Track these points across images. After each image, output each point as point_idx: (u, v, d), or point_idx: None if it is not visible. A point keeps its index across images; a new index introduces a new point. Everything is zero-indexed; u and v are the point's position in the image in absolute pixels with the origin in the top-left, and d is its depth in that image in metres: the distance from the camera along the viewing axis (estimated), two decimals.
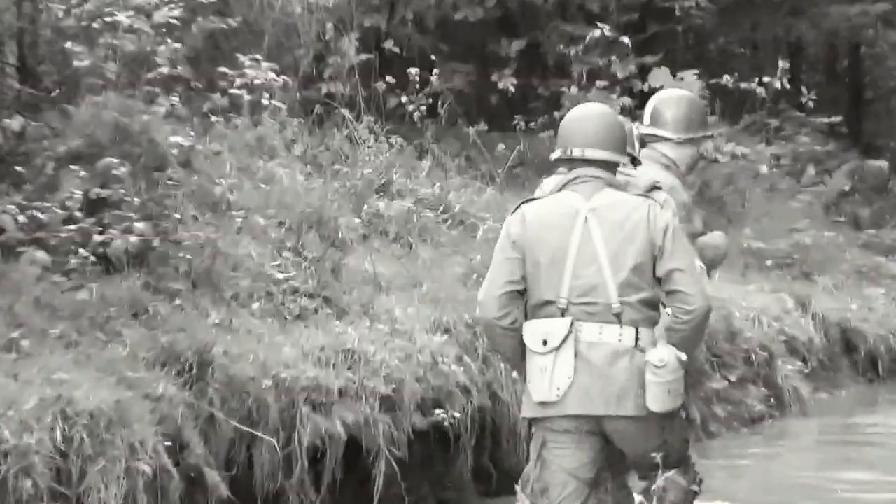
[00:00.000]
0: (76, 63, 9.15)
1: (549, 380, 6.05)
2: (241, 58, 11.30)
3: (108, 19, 9.59)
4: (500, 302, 6.08)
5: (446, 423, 8.73)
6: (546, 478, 6.20)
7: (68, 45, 9.27)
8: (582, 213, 6.05)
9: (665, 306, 6.31)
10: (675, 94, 7.88)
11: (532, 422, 6.33)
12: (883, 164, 16.90)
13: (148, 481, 7.03)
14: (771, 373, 12.07)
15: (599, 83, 14.13)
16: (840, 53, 19.84)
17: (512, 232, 6.17)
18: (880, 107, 19.77)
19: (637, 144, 7.30)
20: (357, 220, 10.54)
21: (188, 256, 8.50)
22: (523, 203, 6.35)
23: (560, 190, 6.21)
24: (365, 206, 10.81)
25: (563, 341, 6.00)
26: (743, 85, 15.38)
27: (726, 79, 15.08)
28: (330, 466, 8.18)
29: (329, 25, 13.12)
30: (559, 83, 14.68)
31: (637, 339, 6.00)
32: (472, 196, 11.98)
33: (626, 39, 14.40)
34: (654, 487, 6.34)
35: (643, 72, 14.57)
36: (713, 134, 9.21)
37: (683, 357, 5.98)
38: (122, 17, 9.54)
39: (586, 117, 6.33)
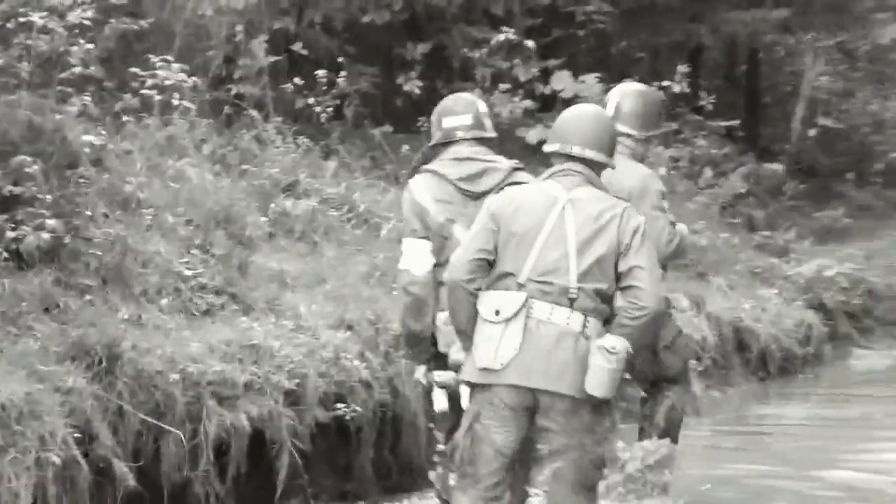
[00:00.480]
0: None
1: (495, 349, 6.19)
2: (153, 59, 11.19)
3: (22, 20, 9.50)
4: (469, 266, 6.23)
5: (348, 417, 8.71)
6: (475, 450, 6.34)
7: None
8: (561, 201, 6.22)
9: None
10: (636, 89, 8.07)
11: (471, 391, 6.41)
12: (778, 167, 17.03)
13: (57, 472, 7.05)
14: None
15: (502, 86, 14.24)
16: (738, 59, 19.84)
17: (493, 206, 6.32)
18: (777, 111, 19.65)
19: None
20: (263, 219, 10.54)
21: (99, 253, 8.46)
22: (507, 185, 6.62)
23: (545, 179, 6.39)
24: (272, 206, 10.83)
25: (515, 314, 6.16)
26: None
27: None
28: (235, 458, 8.18)
29: (239, 27, 12.97)
30: (463, 86, 14.40)
31: (584, 326, 6.12)
32: (377, 196, 11.98)
33: (529, 43, 14.46)
34: (540, 477, 6.32)
35: (546, 75, 14.66)
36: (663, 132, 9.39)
37: (631, 351, 6.16)
38: (36, 18, 9.45)
39: (584, 118, 6.53)
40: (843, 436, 10.86)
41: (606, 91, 13.78)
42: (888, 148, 20.12)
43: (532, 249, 6.21)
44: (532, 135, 14.22)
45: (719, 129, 16.81)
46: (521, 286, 6.16)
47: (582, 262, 6.15)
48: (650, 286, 6.15)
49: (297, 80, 12.86)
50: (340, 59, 13.68)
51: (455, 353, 6.68)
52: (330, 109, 12.88)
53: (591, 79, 14.59)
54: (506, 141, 12.17)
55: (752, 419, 12.11)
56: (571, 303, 6.14)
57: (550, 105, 14.45)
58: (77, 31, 9.81)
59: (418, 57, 14.81)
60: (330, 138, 12.90)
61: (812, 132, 18.65)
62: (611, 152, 6.43)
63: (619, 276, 6.17)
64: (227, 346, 8.44)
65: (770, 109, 19.58)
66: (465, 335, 6.30)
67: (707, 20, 17.27)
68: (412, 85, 14.40)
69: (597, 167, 6.34)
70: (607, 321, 6.29)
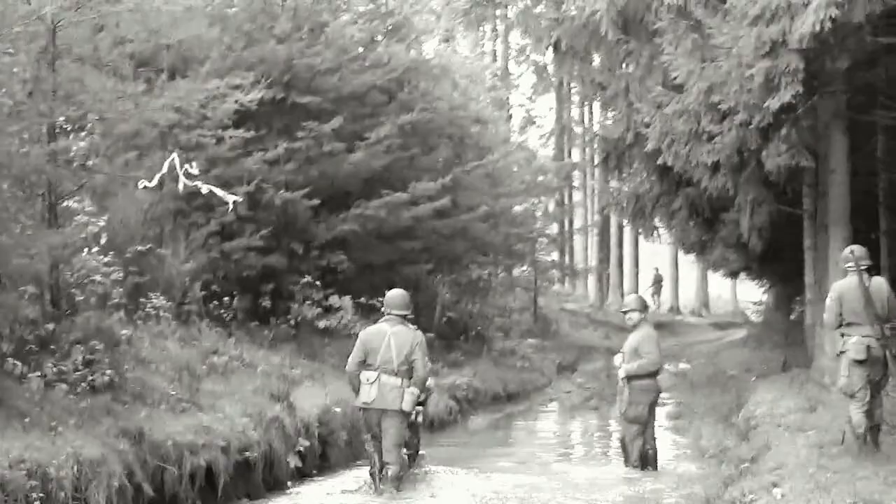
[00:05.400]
0: None
1: (367, 393, 10.83)
2: (151, 294, 14.27)
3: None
4: (355, 366, 10.80)
5: (250, 456, 11.61)
6: (371, 433, 11.00)
7: None
8: (388, 333, 10.84)
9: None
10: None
11: (362, 409, 10.89)
12: (431, 335, 19.64)
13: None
14: None
15: (307, 302, 18.69)
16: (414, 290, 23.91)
17: (361, 336, 10.79)
18: (427, 310, 24.32)
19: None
20: (204, 367, 13.30)
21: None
22: (367, 327, 10.84)
23: (381, 322, 10.91)
24: (209, 360, 13.71)
25: (375, 380, 10.74)
26: None
27: None
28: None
29: (187, 280, 16.26)
30: (289, 303, 18.80)
31: (402, 381, 10.72)
32: (254, 355, 14.88)
33: (318, 283, 19.09)
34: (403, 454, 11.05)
35: (326, 297, 19.09)
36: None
37: (417, 392, 10.79)
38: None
39: (395, 296, 10.95)
40: None
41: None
42: (478, 326, 26.88)
43: (379, 353, 10.73)
44: (323, 323, 18.42)
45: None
46: (376, 369, 10.67)
47: (398, 359, 10.72)
48: (421, 369, 10.80)
49: (216, 302, 16.95)
50: (234, 292, 17.71)
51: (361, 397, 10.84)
52: (232, 317, 17.04)
53: (346, 299, 19.14)
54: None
55: None
56: (397, 374, 10.73)
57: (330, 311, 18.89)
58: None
59: (268, 290, 18.62)
60: (232, 328, 16.84)
61: (444, 320, 24.97)
62: (407, 309, 10.83)
63: (411, 363, 10.66)
64: (195, 428, 11.23)
65: (420, 309, 24.43)
66: (356, 389, 10.87)
67: (396, 271, 22.45)
68: (266, 303, 18.48)
69: (403, 317, 10.87)
70: (410, 378, 10.77)
